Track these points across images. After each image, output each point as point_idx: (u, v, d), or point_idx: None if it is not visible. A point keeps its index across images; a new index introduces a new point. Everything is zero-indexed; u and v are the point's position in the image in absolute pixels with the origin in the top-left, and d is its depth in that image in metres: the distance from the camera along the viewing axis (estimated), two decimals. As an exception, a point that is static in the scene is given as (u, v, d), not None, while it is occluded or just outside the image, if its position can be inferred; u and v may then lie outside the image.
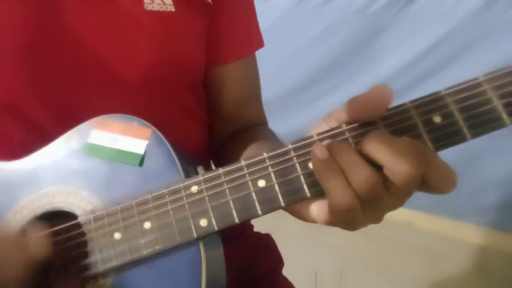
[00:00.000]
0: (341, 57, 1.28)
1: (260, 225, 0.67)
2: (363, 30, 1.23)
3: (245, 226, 0.65)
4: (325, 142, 0.33)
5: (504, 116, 0.31)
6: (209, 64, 0.55)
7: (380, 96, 0.32)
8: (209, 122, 0.59)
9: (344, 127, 0.34)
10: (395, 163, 0.30)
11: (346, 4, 1.27)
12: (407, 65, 1.16)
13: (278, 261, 0.64)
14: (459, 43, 1.09)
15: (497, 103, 0.31)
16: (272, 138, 0.54)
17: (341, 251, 1.31)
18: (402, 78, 1.16)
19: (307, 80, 1.36)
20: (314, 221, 0.36)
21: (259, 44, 0.60)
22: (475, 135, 0.32)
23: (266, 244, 0.64)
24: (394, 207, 0.34)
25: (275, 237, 0.66)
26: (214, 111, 0.59)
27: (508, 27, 1.02)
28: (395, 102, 0.34)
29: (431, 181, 0.32)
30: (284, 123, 1.12)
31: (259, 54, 0.61)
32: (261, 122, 0.62)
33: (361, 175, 0.31)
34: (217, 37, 0.54)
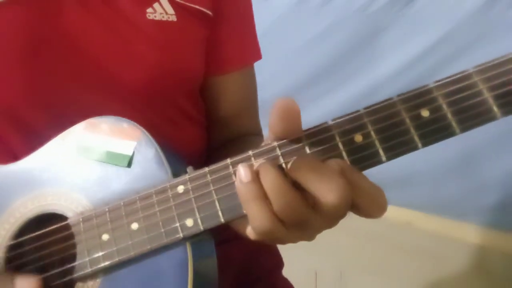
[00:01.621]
0: (341, 57, 1.28)
1: (260, 225, 0.67)
2: (363, 30, 1.23)
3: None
4: (258, 162, 0.33)
5: (495, 108, 0.31)
6: (207, 73, 0.56)
7: (284, 110, 0.32)
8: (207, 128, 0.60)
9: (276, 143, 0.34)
10: (320, 192, 0.30)
11: (346, 4, 1.27)
12: (407, 65, 1.16)
13: (278, 261, 0.64)
14: (459, 43, 1.09)
15: (488, 95, 0.31)
16: None
17: (341, 251, 1.31)
18: (402, 78, 1.16)
19: (307, 80, 1.36)
20: (249, 237, 0.36)
21: (257, 56, 0.61)
22: (464, 129, 0.32)
23: (266, 244, 0.64)
24: (327, 227, 0.33)
25: (275, 237, 0.66)
26: (210, 118, 0.60)
27: (508, 27, 1.02)
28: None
29: (359, 206, 0.32)
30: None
31: (259, 54, 0.61)
32: (256, 132, 0.63)
33: (282, 199, 0.31)
34: (216, 47, 0.55)
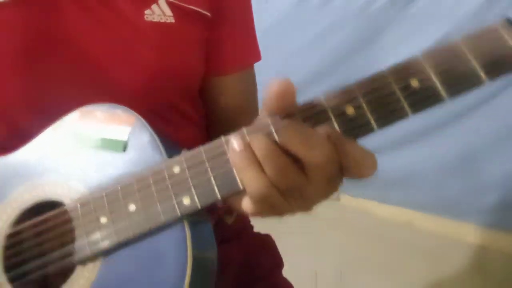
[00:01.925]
0: (341, 57, 1.28)
1: (260, 225, 0.67)
2: (363, 30, 1.23)
3: (245, 226, 0.65)
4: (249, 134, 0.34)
5: (482, 74, 0.31)
6: (207, 74, 0.56)
7: (280, 90, 0.33)
8: (207, 126, 0.60)
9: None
10: (308, 155, 0.32)
11: (346, 4, 1.27)
12: (407, 65, 1.16)
13: (278, 262, 0.64)
14: (459, 43, 1.09)
15: (474, 63, 0.32)
16: None
17: (341, 251, 1.31)
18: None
19: (307, 80, 1.36)
20: (245, 213, 0.37)
21: (257, 57, 0.61)
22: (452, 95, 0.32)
23: (266, 244, 0.65)
24: (320, 196, 0.34)
25: (275, 237, 0.66)
26: (211, 118, 0.60)
27: (508, 27, 1.02)
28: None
29: (348, 167, 0.33)
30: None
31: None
32: None
33: (273, 164, 0.32)
34: (215, 48, 0.55)
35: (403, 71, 0.33)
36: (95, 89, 0.47)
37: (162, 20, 0.48)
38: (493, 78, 0.31)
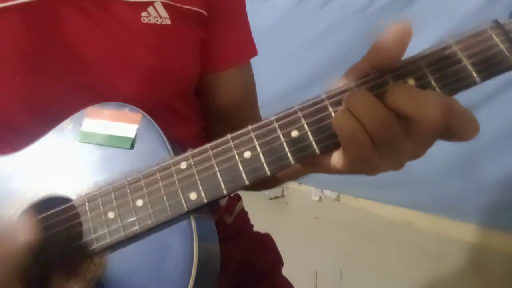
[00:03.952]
0: (341, 57, 1.28)
1: (260, 225, 0.67)
2: (363, 30, 1.23)
3: (245, 226, 0.65)
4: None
5: (474, 74, 0.32)
6: (204, 71, 0.56)
7: (401, 35, 0.31)
8: (204, 126, 0.60)
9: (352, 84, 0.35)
10: (419, 111, 0.31)
11: (346, 4, 1.27)
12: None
13: (277, 261, 0.64)
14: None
15: (467, 62, 0.32)
16: None
17: (341, 251, 1.31)
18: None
19: (307, 80, 1.36)
20: (336, 171, 0.36)
21: (253, 52, 0.61)
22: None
23: (265, 243, 0.65)
24: (415, 154, 0.34)
25: (275, 237, 0.66)
26: (210, 115, 0.60)
27: (508, 27, 1.02)
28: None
29: (454, 127, 0.32)
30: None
31: (259, 54, 0.61)
32: None
33: (378, 118, 0.31)
34: (212, 45, 0.55)
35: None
36: (93, 91, 0.47)
37: (158, 22, 0.49)
38: (485, 78, 0.32)
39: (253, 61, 0.62)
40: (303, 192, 1.54)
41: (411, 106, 0.31)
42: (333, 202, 1.48)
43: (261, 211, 0.90)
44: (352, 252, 1.30)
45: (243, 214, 0.66)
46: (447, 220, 1.23)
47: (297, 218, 1.51)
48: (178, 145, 0.40)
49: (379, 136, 0.32)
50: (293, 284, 0.63)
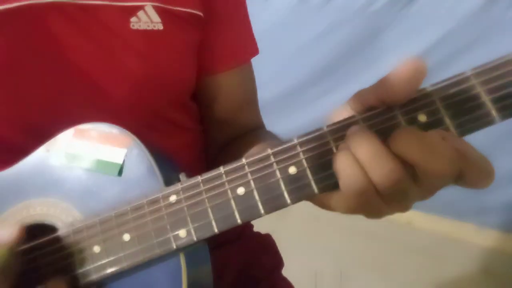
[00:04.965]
0: (342, 57, 1.28)
1: (260, 225, 0.67)
2: (363, 30, 1.23)
3: (245, 227, 0.65)
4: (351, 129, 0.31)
5: (493, 112, 0.30)
6: (203, 74, 0.54)
7: (415, 72, 0.29)
8: (203, 131, 0.58)
9: (358, 116, 0.32)
10: (429, 161, 0.28)
11: (346, 4, 1.27)
12: (407, 65, 1.16)
13: (278, 261, 0.64)
14: (459, 43, 1.09)
15: (486, 98, 0.30)
16: (276, 139, 0.54)
17: (341, 251, 1.31)
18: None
19: (307, 80, 1.36)
20: (335, 210, 0.34)
21: (254, 51, 0.59)
22: (463, 132, 0.30)
23: (266, 244, 0.64)
24: (423, 198, 0.32)
25: (275, 237, 0.66)
26: (209, 118, 0.58)
27: (508, 27, 1.02)
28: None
29: (467, 176, 0.30)
30: (284, 123, 1.12)
31: (260, 54, 0.61)
32: (259, 126, 0.61)
33: (383, 168, 0.29)
34: (210, 46, 0.53)
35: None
36: (82, 100, 0.45)
37: (150, 28, 0.46)
38: (505, 116, 0.29)
39: (253, 61, 0.61)
40: (303, 192, 1.54)
41: (420, 156, 0.28)
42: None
43: (261, 211, 0.89)
44: (352, 252, 1.30)
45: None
46: (447, 220, 1.22)
47: (297, 218, 1.51)
48: (171, 170, 0.39)
49: (384, 186, 0.29)
50: (294, 284, 0.63)
